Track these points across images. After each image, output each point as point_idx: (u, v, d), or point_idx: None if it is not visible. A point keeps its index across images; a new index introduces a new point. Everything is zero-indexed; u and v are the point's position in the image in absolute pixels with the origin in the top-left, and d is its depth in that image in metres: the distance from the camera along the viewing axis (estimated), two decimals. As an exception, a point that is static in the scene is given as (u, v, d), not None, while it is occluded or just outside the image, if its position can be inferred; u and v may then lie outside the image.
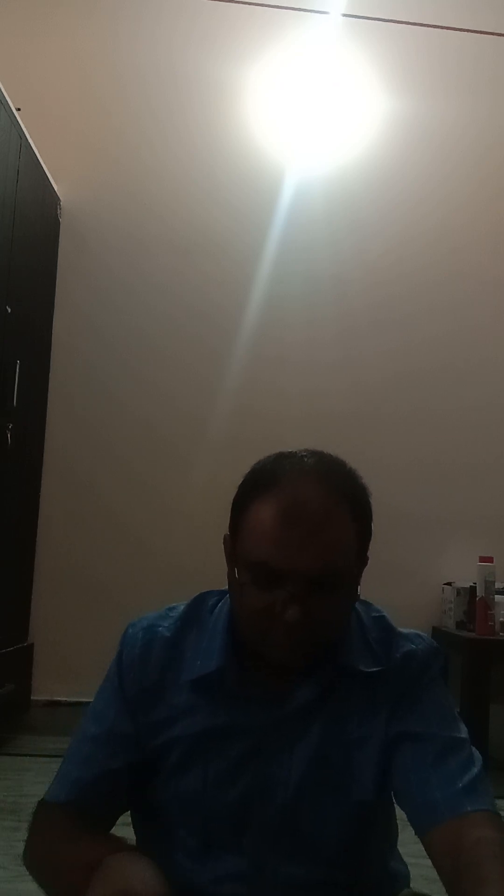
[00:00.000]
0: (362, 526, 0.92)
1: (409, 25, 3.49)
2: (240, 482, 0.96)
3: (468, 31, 3.52)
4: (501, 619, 2.90)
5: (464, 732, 0.96)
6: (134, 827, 1.06)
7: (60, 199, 3.29)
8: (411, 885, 1.08)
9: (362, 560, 0.94)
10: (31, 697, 3.05)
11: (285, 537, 0.87)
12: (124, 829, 1.06)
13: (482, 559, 2.93)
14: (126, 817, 1.06)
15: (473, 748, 0.94)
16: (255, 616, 0.89)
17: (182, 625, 1.00)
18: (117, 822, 1.03)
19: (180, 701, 0.97)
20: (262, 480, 0.92)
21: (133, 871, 0.80)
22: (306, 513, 0.87)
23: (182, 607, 1.03)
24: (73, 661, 3.04)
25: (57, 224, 3.29)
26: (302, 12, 3.47)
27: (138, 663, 0.99)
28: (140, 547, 3.19)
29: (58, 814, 0.98)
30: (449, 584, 3.15)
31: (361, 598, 1.01)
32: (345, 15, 3.48)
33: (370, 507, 0.94)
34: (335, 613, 0.91)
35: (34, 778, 2.42)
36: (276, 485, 0.90)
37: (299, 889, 0.95)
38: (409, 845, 1.05)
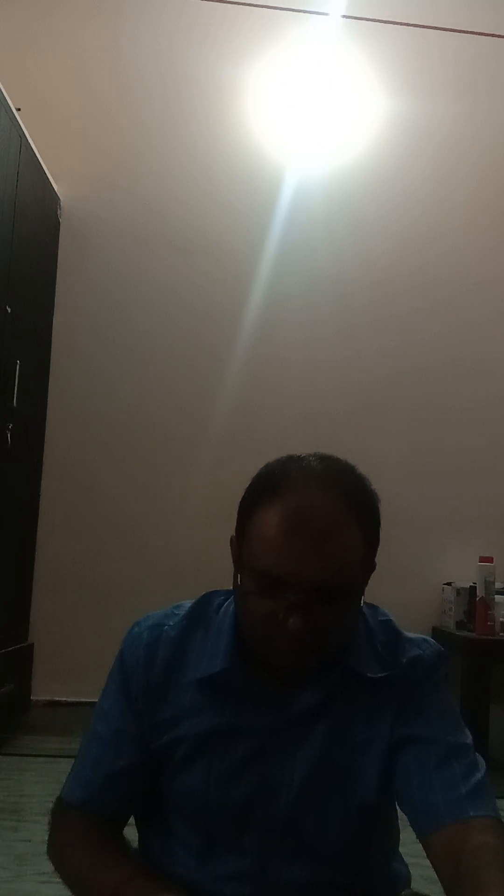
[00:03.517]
0: (370, 533, 0.91)
1: (409, 26, 3.49)
2: (241, 482, 0.96)
3: (468, 32, 3.51)
4: (501, 619, 2.90)
5: (468, 738, 0.95)
6: (137, 825, 1.06)
7: (60, 199, 3.29)
8: (412, 885, 1.08)
9: (369, 567, 0.93)
10: (31, 697, 3.05)
11: (290, 545, 0.86)
12: (127, 828, 1.06)
13: (482, 559, 2.93)
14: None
15: (478, 755, 0.94)
16: (258, 623, 0.89)
17: (188, 624, 1.00)
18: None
19: (185, 700, 0.97)
20: (269, 485, 0.91)
21: None
22: (312, 521, 0.87)
23: (188, 606, 1.03)
24: (73, 661, 3.04)
25: (57, 224, 3.29)
26: (302, 13, 3.47)
27: (143, 662, 0.98)
28: (140, 547, 3.19)
29: (74, 816, 0.99)
30: (449, 584, 3.15)
31: (368, 601, 1.00)
32: (344, 16, 3.48)
33: (378, 514, 0.93)
34: (339, 622, 0.90)
35: (34, 778, 2.42)
36: (282, 491, 0.89)
37: (301, 890, 0.95)
38: (408, 845, 1.05)
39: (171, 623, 1.00)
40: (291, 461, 0.94)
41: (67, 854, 0.97)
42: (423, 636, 1.02)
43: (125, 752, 0.98)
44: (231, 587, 1.01)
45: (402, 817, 0.98)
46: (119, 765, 0.98)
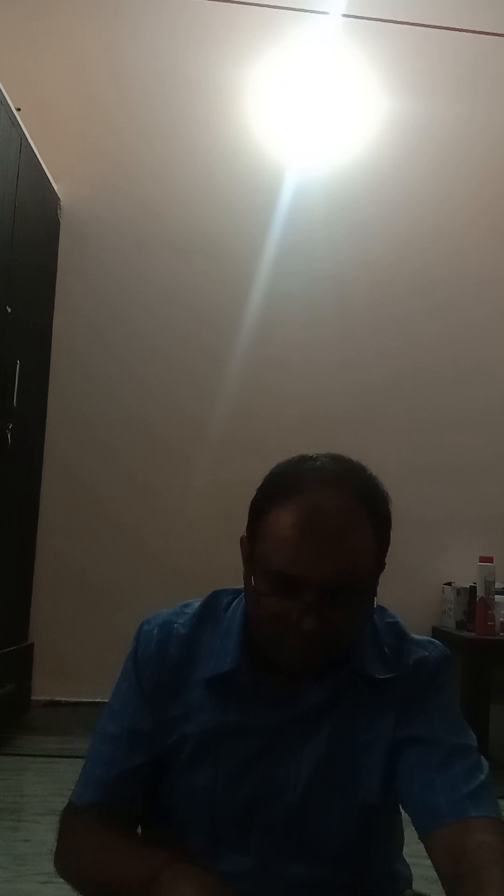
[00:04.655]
0: (381, 534, 0.91)
1: (409, 26, 3.49)
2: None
3: (468, 31, 3.51)
4: (501, 619, 2.90)
5: (472, 740, 0.96)
6: (141, 822, 1.06)
7: (60, 199, 3.29)
8: (413, 886, 1.08)
9: (380, 567, 0.93)
10: (31, 697, 3.05)
11: (304, 546, 0.86)
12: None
13: (482, 559, 2.93)
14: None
15: (482, 757, 0.94)
16: (271, 622, 0.89)
17: (197, 622, 1.00)
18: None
19: (193, 698, 0.97)
20: (282, 485, 0.91)
21: (196, 886, 0.79)
22: (326, 521, 0.87)
23: (197, 604, 1.03)
24: (73, 661, 3.04)
25: (57, 224, 3.29)
26: (302, 12, 3.47)
27: (155, 659, 0.99)
28: (140, 547, 3.19)
29: (88, 818, 0.96)
30: (449, 584, 3.15)
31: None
32: (345, 15, 3.48)
33: (390, 515, 0.93)
34: (352, 622, 0.91)
35: (34, 778, 2.42)
36: (296, 491, 0.89)
37: (303, 888, 0.95)
38: (409, 845, 1.05)
39: (181, 621, 1.01)
40: (304, 461, 0.94)
41: (83, 852, 0.94)
42: (430, 638, 1.03)
43: (139, 749, 0.98)
44: (237, 586, 1.01)
45: (405, 820, 0.98)
46: (132, 763, 0.97)
